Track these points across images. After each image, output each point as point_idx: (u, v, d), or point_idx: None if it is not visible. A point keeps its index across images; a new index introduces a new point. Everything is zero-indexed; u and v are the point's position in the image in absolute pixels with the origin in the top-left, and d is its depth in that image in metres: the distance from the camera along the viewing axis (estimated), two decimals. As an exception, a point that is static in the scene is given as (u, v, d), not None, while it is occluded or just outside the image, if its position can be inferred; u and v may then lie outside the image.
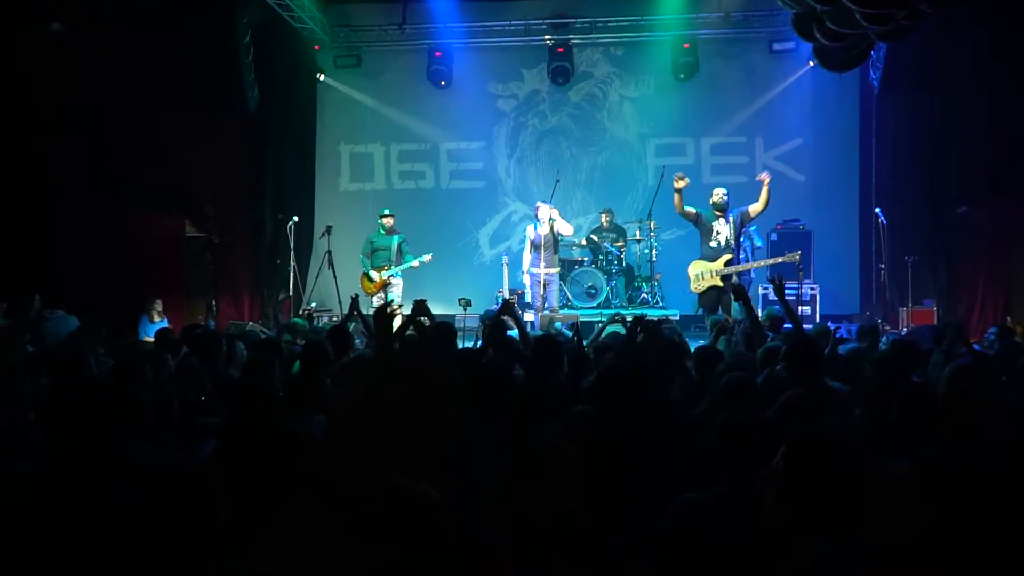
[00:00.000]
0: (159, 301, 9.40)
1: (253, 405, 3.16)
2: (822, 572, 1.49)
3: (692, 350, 5.00)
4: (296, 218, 10.94)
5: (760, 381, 4.05)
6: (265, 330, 8.88)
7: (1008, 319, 9.24)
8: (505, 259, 10.99)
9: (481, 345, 4.76)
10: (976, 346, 5.73)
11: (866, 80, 11.38)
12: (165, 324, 9.01)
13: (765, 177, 8.55)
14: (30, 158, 8.78)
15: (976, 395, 2.65)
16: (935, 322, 9.33)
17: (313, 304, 11.16)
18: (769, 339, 5.00)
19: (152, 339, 8.65)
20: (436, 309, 10.52)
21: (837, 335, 5.62)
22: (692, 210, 8.74)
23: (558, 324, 8.50)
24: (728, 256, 8.52)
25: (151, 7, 9.36)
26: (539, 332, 7.14)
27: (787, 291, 5.10)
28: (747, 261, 8.79)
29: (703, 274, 8.68)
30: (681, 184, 8.55)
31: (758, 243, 10.30)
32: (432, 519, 1.80)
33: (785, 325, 5.16)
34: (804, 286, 10.11)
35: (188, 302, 10.68)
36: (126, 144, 9.94)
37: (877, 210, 10.53)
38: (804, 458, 2.02)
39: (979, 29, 9.43)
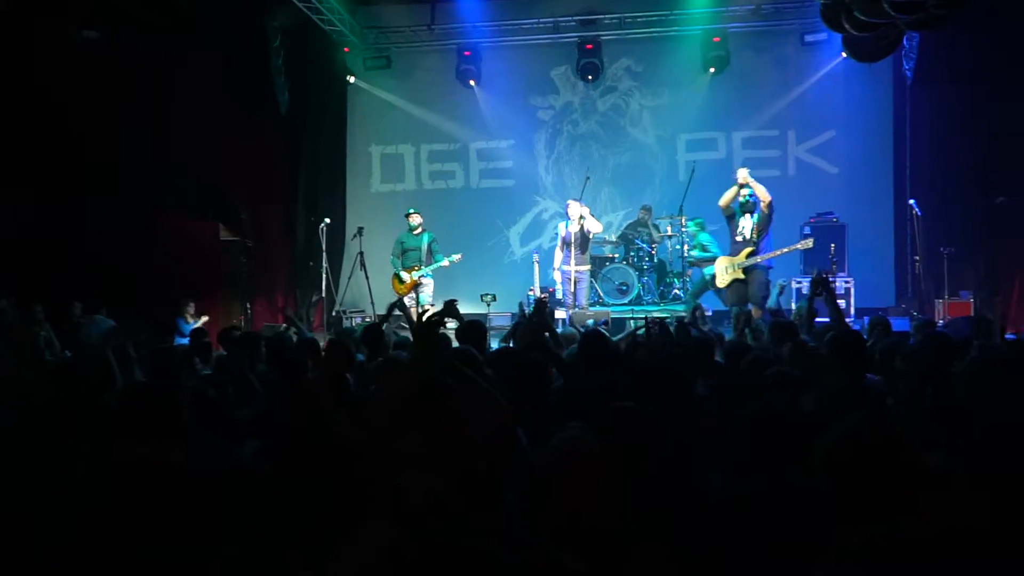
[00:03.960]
0: (192, 303, 9.57)
1: (300, 405, 3.19)
2: (871, 557, 1.50)
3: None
4: (328, 220, 11.04)
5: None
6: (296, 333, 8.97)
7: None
8: (536, 257, 11.03)
9: (517, 345, 4.77)
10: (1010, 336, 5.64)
11: (899, 71, 11.23)
12: (199, 324, 9.17)
13: (741, 175, 8.50)
14: (69, 164, 8.96)
15: (997, 389, 2.62)
16: (972, 314, 9.18)
17: (343, 307, 11.26)
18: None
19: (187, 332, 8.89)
20: (467, 309, 10.63)
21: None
22: (732, 208, 8.67)
23: (590, 322, 8.50)
24: (750, 249, 8.49)
25: (184, 14, 9.51)
26: (570, 330, 7.14)
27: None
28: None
29: (727, 268, 8.73)
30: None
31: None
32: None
33: (818, 319, 5.12)
34: (838, 279, 10.01)
35: (224, 305, 10.84)
36: (162, 149, 10.10)
37: (911, 202, 10.40)
38: (846, 451, 2.01)
39: (1015, 19, 9.25)
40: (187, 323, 9.33)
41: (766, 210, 8.44)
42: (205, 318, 9.57)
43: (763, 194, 8.41)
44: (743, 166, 11.80)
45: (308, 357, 4.60)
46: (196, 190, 10.73)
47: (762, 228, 8.50)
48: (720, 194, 8.78)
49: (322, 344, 5.62)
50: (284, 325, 10.32)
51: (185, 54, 10.09)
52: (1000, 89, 9.89)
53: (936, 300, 10.18)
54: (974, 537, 1.62)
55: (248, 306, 10.93)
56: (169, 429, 3.03)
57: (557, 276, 9.91)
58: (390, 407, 2.43)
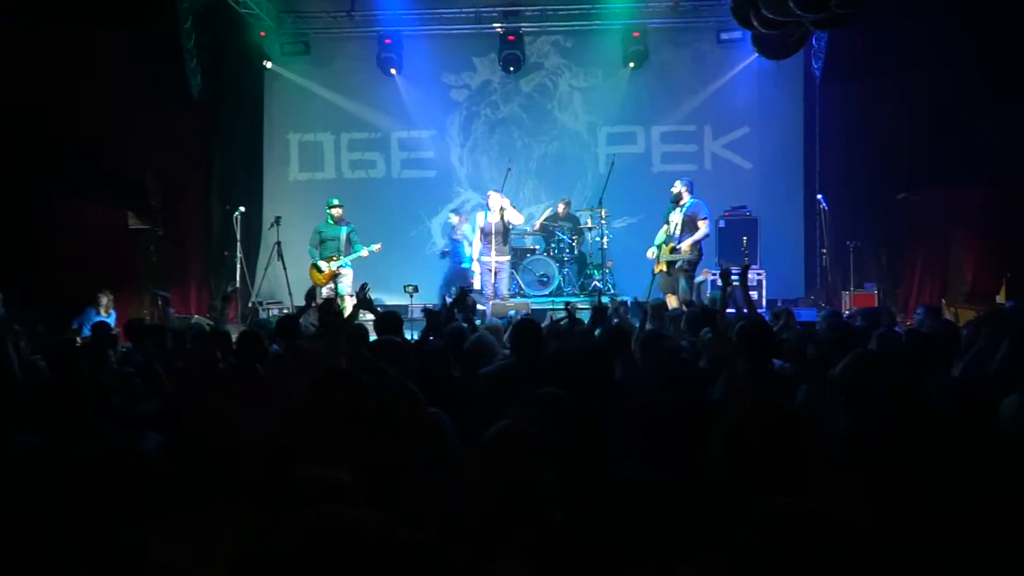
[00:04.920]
0: (108, 295, 9.18)
1: (199, 399, 3.12)
2: (763, 532, 1.53)
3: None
4: (243, 208, 10.75)
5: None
6: (211, 323, 8.72)
7: (943, 301, 9.51)
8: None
9: (427, 335, 4.73)
10: (899, 328, 5.90)
11: (809, 69, 11.59)
12: (109, 318, 8.82)
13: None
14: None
15: (881, 375, 2.74)
16: (876, 304, 9.57)
17: (260, 298, 11.00)
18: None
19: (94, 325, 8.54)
20: (389, 299, 10.54)
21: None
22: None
23: (512, 313, 8.53)
24: (672, 245, 8.85)
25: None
26: (492, 321, 7.14)
27: (734, 276, 5.17)
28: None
29: (657, 259, 9.17)
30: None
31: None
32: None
33: (728, 311, 5.24)
34: (751, 271, 10.28)
35: (134, 296, 10.43)
36: (66, 134, 9.65)
37: (820, 197, 10.76)
38: (748, 434, 2.04)
39: (919, 18, 9.62)
40: (98, 315, 8.94)
41: (701, 226, 8.84)
42: (113, 313, 9.20)
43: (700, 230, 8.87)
44: (661, 160, 12.12)
45: (218, 349, 4.48)
46: (103, 176, 10.28)
47: (685, 229, 8.85)
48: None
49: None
50: (196, 316, 10.02)
51: (92, 37, 9.64)
52: (903, 87, 10.29)
53: (843, 292, 10.57)
54: (853, 517, 1.67)
55: (159, 297, 10.55)
56: (70, 422, 2.91)
57: (475, 267, 9.89)
58: (296, 397, 2.37)
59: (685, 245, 8.77)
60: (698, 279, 9.40)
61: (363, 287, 4.50)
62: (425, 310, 4.86)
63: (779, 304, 9.54)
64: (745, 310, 5.32)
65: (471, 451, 2.23)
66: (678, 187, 9.06)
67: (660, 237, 9.23)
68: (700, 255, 8.96)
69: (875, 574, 1.67)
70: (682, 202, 8.96)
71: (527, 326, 4.29)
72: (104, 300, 9.13)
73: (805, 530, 1.50)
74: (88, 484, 2.01)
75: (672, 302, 8.65)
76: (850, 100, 11.07)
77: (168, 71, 10.57)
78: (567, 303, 5.97)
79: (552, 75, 12.35)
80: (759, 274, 10.52)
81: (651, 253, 9.28)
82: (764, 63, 11.34)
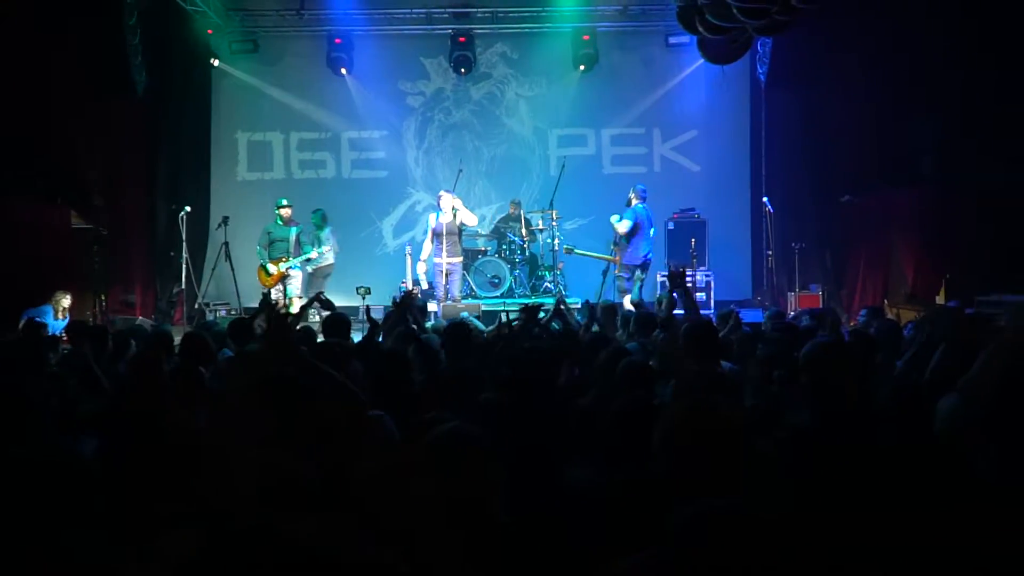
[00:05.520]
0: (67, 296, 8.91)
1: (140, 402, 3.04)
2: (687, 531, 1.56)
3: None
4: (188, 208, 10.51)
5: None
6: (155, 325, 8.52)
7: (886, 302, 9.74)
8: (408, 249, 10.92)
9: (371, 335, 4.69)
10: (844, 329, 6.03)
11: (755, 74, 11.79)
12: (63, 321, 8.56)
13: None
14: None
15: (832, 373, 2.78)
16: (820, 305, 9.76)
17: (207, 300, 10.80)
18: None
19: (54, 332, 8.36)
20: (339, 301, 10.40)
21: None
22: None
23: (464, 314, 8.49)
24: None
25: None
26: (442, 322, 7.11)
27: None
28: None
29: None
30: None
31: None
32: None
33: (675, 311, 5.30)
34: (699, 273, 10.42)
35: (76, 297, 10.13)
36: (4, 130, 9.35)
37: (765, 199, 10.94)
38: (690, 431, 2.06)
39: (861, 24, 9.85)
40: (56, 318, 8.67)
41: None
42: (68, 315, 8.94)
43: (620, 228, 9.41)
44: (611, 162, 12.26)
45: (162, 351, 4.38)
46: (45, 174, 9.98)
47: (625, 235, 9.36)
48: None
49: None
50: (140, 318, 9.80)
51: (33, 31, 9.36)
52: (845, 90, 10.51)
53: (788, 293, 10.76)
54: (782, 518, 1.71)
55: (102, 298, 10.27)
56: (5, 426, 2.82)
57: (421, 268, 9.80)
58: (237, 400, 2.32)
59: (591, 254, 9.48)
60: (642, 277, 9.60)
61: (318, 296, 4.45)
62: (370, 318, 4.81)
63: (730, 306, 9.72)
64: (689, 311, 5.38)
65: (415, 453, 2.21)
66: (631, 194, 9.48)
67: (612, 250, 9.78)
68: (631, 252, 9.35)
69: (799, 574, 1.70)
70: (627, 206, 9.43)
71: (457, 330, 4.31)
72: (65, 302, 8.86)
73: (728, 531, 1.53)
74: (22, 487, 1.96)
75: (626, 303, 8.77)
76: (794, 104, 11.29)
77: (112, 67, 10.33)
78: (560, 297, 6.00)
79: (500, 84, 12.43)
80: (707, 275, 10.66)
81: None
82: (710, 68, 11.49)
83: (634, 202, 9.42)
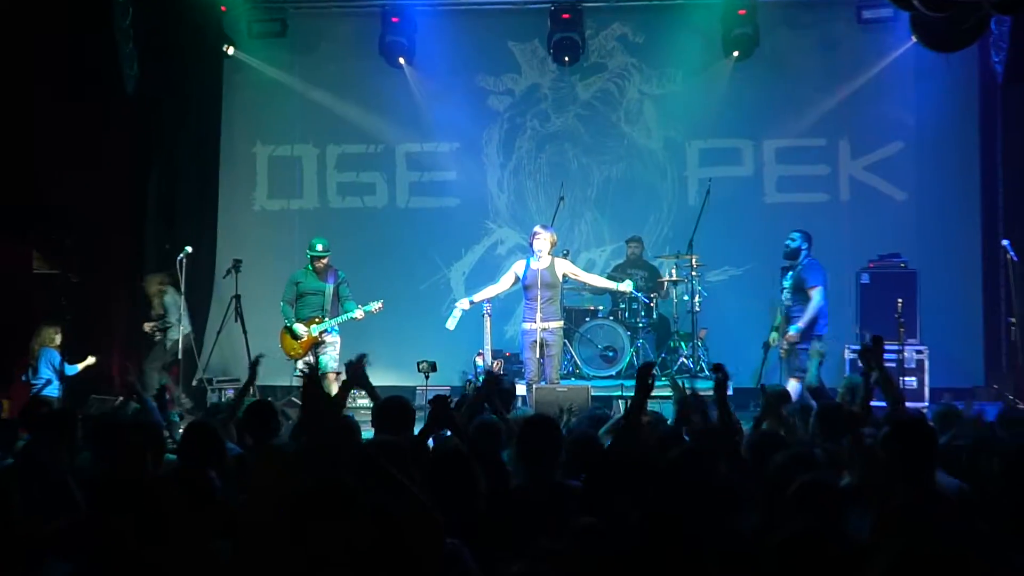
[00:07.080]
0: (56, 331, 9.48)
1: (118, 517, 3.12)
2: None
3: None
4: (188, 249, 10.80)
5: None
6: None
7: None
8: (488, 308, 10.98)
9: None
10: None
11: (987, 65, 11.56)
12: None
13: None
14: None
15: None
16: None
17: (208, 375, 11.07)
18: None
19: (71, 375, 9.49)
20: (390, 379, 10.55)
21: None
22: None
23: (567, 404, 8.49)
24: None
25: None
26: (529, 411, 7.12)
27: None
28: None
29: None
30: None
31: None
32: None
33: (875, 403, 5.19)
34: (906, 348, 10.15)
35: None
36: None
37: (1006, 243, 10.61)
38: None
39: None
40: (57, 353, 9.50)
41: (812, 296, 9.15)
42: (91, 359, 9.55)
43: None
44: (777, 186, 12.13)
45: (149, 447, 4.51)
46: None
47: (797, 298, 9.24)
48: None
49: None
50: (120, 398, 10.08)
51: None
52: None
53: (1041, 379, 10.38)
54: None
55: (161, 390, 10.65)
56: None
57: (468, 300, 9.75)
58: (265, 517, 2.38)
59: (792, 334, 9.02)
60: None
61: (360, 359, 4.50)
62: (435, 399, 4.84)
63: (945, 397, 9.42)
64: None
65: None
66: (795, 240, 9.28)
67: (778, 318, 9.58)
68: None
69: None
70: (796, 261, 9.23)
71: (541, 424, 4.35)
72: (57, 337, 9.46)
73: None
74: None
75: (790, 385, 8.61)
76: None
77: (95, 58, 10.75)
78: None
79: (618, 78, 12.54)
80: (920, 352, 10.39)
81: (772, 341, 9.65)
82: (923, 55, 11.34)
83: (801, 253, 9.25)
